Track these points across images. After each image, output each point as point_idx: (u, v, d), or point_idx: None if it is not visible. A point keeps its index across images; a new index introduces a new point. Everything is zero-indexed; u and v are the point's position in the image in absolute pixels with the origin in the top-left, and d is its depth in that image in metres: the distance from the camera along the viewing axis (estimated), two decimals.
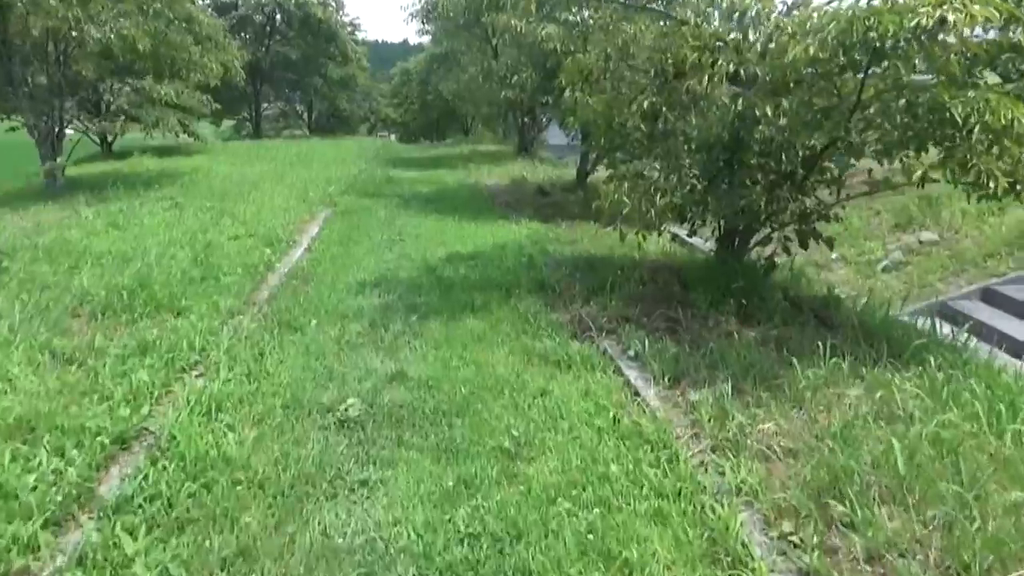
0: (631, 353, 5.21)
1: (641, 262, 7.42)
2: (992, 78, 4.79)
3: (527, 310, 6.27)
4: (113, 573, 2.81)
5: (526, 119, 20.00)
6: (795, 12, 5.78)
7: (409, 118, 43.63)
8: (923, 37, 4.08)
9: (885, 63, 4.40)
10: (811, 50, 4.21)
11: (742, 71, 5.06)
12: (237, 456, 3.68)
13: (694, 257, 8.12)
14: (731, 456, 3.67)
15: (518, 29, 11.54)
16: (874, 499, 3.13)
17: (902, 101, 4.55)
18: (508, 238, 9.72)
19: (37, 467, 3.34)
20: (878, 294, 9.96)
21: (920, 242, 11.62)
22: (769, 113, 4.74)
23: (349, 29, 41.55)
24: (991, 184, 4.11)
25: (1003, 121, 4.00)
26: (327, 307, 6.36)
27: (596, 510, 3.26)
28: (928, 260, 10.93)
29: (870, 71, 4.72)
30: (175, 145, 20.95)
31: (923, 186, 5.54)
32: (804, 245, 6.00)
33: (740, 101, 4.99)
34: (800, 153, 5.52)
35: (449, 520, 3.25)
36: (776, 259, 6.31)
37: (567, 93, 7.70)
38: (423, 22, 23.56)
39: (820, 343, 4.79)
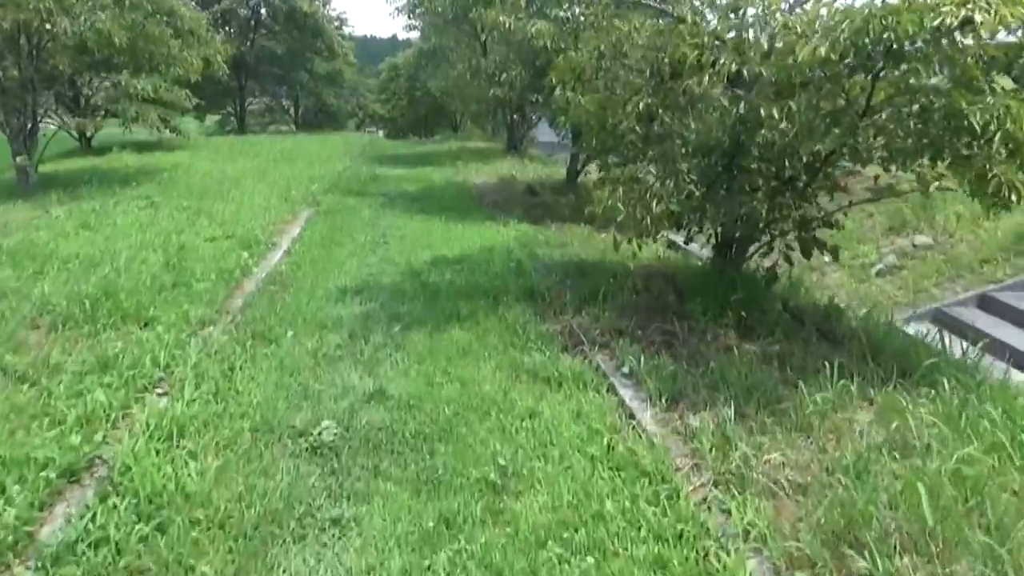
0: (625, 370, 4.90)
1: (634, 269, 7.13)
2: (1006, 83, 4.51)
3: (516, 320, 5.97)
4: None
5: (515, 117, 19.66)
6: (799, 10, 5.50)
7: (397, 114, 43.12)
8: (943, 39, 3.79)
9: (904, 66, 4.12)
10: (821, 51, 3.91)
11: (745, 71, 4.75)
12: (197, 491, 3.36)
13: (689, 264, 7.83)
14: (736, 492, 3.38)
15: (507, 25, 11.18)
16: (895, 547, 2.84)
17: (915, 106, 4.27)
18: (496, 240, 9.40)
19: None
20: (874, 300, 9.77)
21: (914, 246, 11.43)
22: (776, 116, 4.44)
23: (336, 24, 40.99)
24: (1012, 197, 3.84)
25: None
26: (305, 316, 6.03)
27: (590, 557, 2.96)
28: (923, 265, 10.74)
29: (882, 74, 4.43)
30: (156, 141, 20.46)
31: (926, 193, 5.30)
32: (807, 254, 5.72)
33: (742, 104, 4.69)
34: (804, 159, 5.23)
35: (429, 568, 2.95)
36: (777, 269, 6.03)
37: (557, 91, 7.40)
38: (410, 16, 23.18)
39: (826, 362, 4.51)
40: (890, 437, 3.72)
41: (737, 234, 6.22)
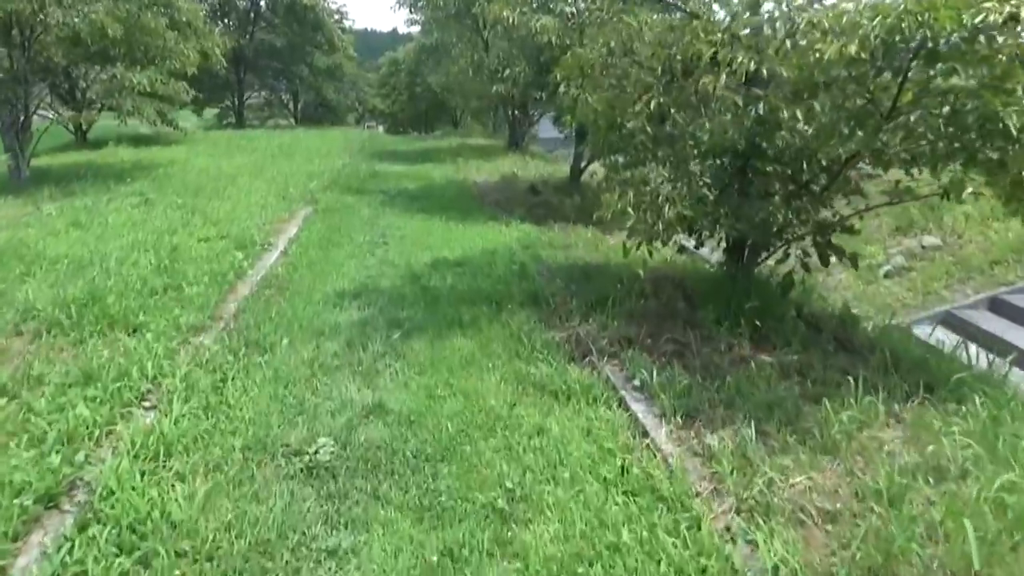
0: (636, 382, 4.67)
1: (641, 273, 6.88)
2: None
3: (520, 327, 5.74)
4: None
5: (517, 113, 19.39)
6: (817, 5, 5.25)
7: (397, 109, 42.89)
8: (980, 36, 3.56)
9: (939, 65, 3.88)
10: (851, 49, 3.67)
11: (763, 70, 4.50)
12: (184, 518, 3.13)
13: (697, 268, 7.60)
14: (761, 520, 3.16)
15: (511, 20, 10.93)
16: None
17: (945, 108, 4.03)
18: (498, 242, 9.17)
19: None
20: (882, 302, 9.57)
21: (922, 247, 11.23)
22: (800, 117, 4.20)
23: (336, 17, 40.63)
24: None
25: None
26: (301, 322, 5.79)
27: None
28: (932, 266, 10.54)
29: (910, 74, 4.18)
30: (153, 135, 20.18)
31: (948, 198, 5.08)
32: (825, 261, 5.48)
33: (761, 104, 4.45)
34: (823, 162, 4.99)
35: None
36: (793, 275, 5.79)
37: (562, 88, 7.16)
38: (411, 10, 22.87)
39: (851, 377, 4.29)
40: (922, 459, 3.50)
41: (750, 239, 5.99)
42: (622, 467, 3.69)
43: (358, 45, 44.71)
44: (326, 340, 5.45)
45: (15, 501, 3.05)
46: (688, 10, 5.93)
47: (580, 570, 2.91)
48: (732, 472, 3.53)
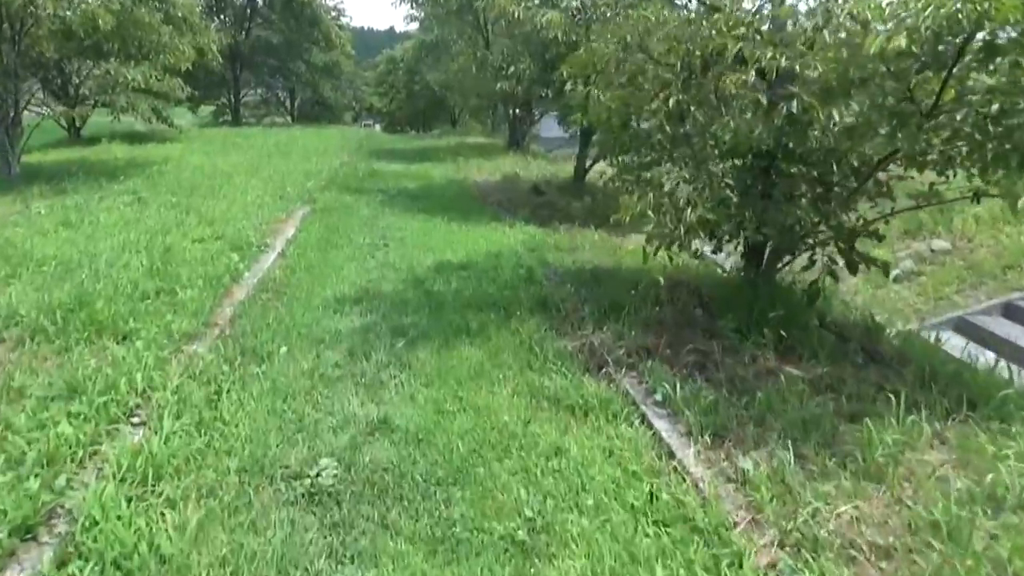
0: (658, 397, 4.38)
1: (655, 279, 6.61)
2: None
3: (530, 335, 5.45)
4: None
5: (519, 112, 19.09)
6: None
7: (395, 107, 42.62)
8: None
9: (999, 59, 3.60)
10: (901, 42, 3.39)
11: (797, 66, 4.22)
12: (174, 552, 2.84)
13: (711, 273, 7.31)
14: (809, 556, 2.88)
15: (515, 15, 10.66)
16: None
17: (995, 106, 3.75)
18: (503, 244, 8.87)
19: None
20: (893, 307, 9.32)
21: (932, 250, 11.02)
22: (837, 117, 3.92)
23: (333, 14, 40.30)
24: None
25: None
26: (300, 329, 5.49)
27: None
28: (942, 270, 10.32)
29: (954, 69, 3.90)
30: (148, 132, 19.86)
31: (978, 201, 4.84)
32: (853, 269, 5.21)
33: (794, 103, 4.17)
34: (855, 164, 4.72)
35: None
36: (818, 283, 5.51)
37: (568, 86, 6.88)
38: (412, 6, 22.57)
39: (888, 392, 4.02)
40: (977, 487, 3.23)
41: (771, 244, 5.71)
42: (650, 493, 3.41)
43: (355, 44, 44.38)
44: (327, 348, 5.16)
45: None
46: (708, 3, 5.62)
47: None
48: (771, 500, 3.25)
